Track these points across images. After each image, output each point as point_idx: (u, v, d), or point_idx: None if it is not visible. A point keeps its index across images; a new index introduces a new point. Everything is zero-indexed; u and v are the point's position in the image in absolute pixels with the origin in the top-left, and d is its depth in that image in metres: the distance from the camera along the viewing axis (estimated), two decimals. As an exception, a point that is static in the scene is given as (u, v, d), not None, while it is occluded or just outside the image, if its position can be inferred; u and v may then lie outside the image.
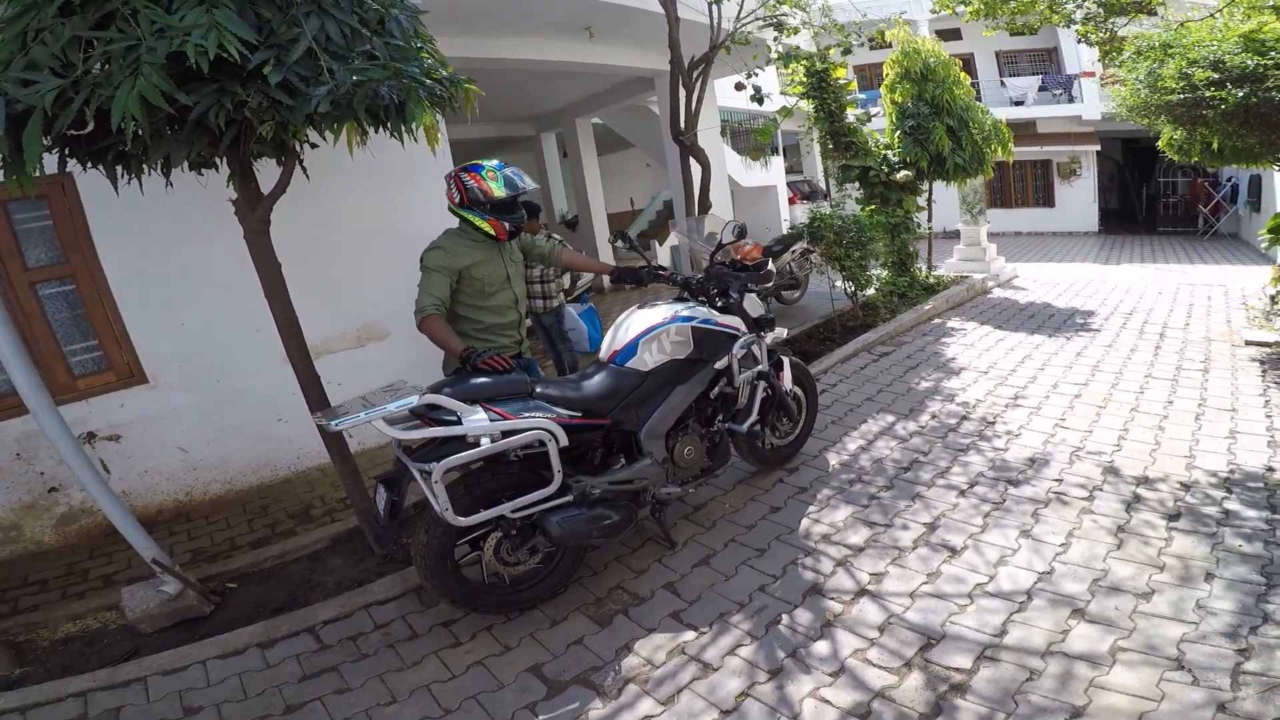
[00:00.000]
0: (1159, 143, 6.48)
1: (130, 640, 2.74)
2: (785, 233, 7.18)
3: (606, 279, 5.95)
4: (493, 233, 2.89)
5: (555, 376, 4.13)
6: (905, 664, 2.12)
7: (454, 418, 2.30)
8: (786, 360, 3.51)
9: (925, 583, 2.53)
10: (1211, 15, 6.19)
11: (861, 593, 2.52)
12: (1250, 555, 2.48)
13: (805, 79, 7.10)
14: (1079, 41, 7.46)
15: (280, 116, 2.06)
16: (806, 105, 7.32)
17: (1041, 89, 17.10)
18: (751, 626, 2.40)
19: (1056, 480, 3.22)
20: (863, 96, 8.23)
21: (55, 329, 3.74)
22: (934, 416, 4.15)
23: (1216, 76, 4.83)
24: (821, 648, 2.25)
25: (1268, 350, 4.86)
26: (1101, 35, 6.62)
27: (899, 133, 7.28)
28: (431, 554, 2.42)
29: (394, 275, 3.95)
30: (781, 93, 8.06)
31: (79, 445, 2.82)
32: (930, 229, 8.05)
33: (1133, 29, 6.60)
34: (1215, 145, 5.48)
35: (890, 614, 2.37)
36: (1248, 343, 5.09)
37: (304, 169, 2.67)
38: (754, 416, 3.18)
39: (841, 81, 7.17)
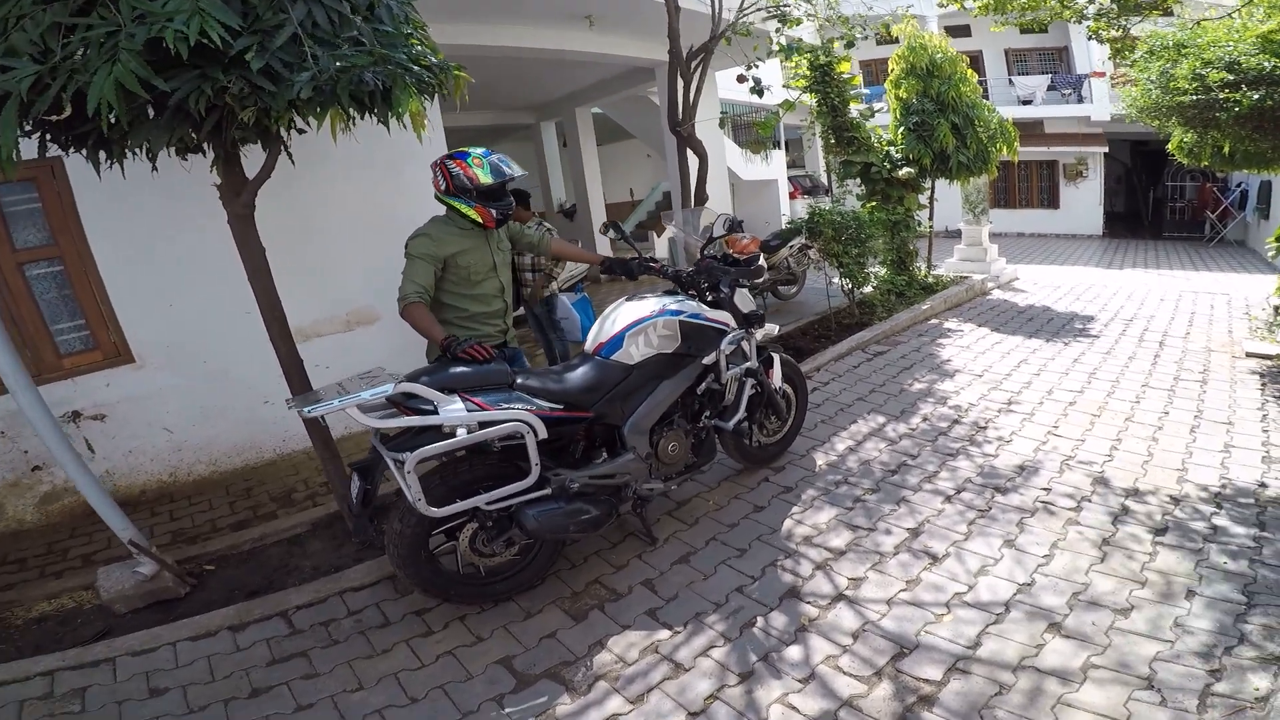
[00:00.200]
0: (1169, 146, 6.37)
1: (104, 620, 2.74)
2: (784, 227, 7.09)
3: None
4: (480, 220, 2.84)
5: (544, 366, 4.09)
6: (876, 673, 2.10)
7: (430, 407, 2.27)
8: (777, 357, 3.47)
9: (904, 590, 2.50)
10: (1229, 15, 6.05)
11: (839, 598, 2.49)
12: (1234, 573, 2.44)
13: (809, 72, 7.01)
14: (1090, 38, 7.32)
15: (262, 102, 2.02)
16: (810, 99, 7.23)
17: (1050, 88, 16.85)
18: (726, 628, 2.38)
19: (1045, 489, 3.18)
20: (867, 92, 8.13)
21: (43, 309, 3.72)
22: (925, 419, 4.11)
23: (1231, 78, 4.72)
24: (794, 653, 2.22)
25: (1269, 363, 4.78)
26: (1114, 32, 6.48)
27: (902, 129, 7.17)
28: (405, 543, 2.40)
29: (383, 261, 3.90)
30: (784, 86, 7.96)
31: (58, 425, 2.81)
32: (931, 227, 7.96)
33: (1146, 27, 6.48)
34: (1227, 149, 5.38)
35: (866, 620, 2.35)
36: (1248, 354, 5.01)
37: (290, 155, 2.62)
38: (741, 414, 3.15)
39: (845, 76, 7.08)
